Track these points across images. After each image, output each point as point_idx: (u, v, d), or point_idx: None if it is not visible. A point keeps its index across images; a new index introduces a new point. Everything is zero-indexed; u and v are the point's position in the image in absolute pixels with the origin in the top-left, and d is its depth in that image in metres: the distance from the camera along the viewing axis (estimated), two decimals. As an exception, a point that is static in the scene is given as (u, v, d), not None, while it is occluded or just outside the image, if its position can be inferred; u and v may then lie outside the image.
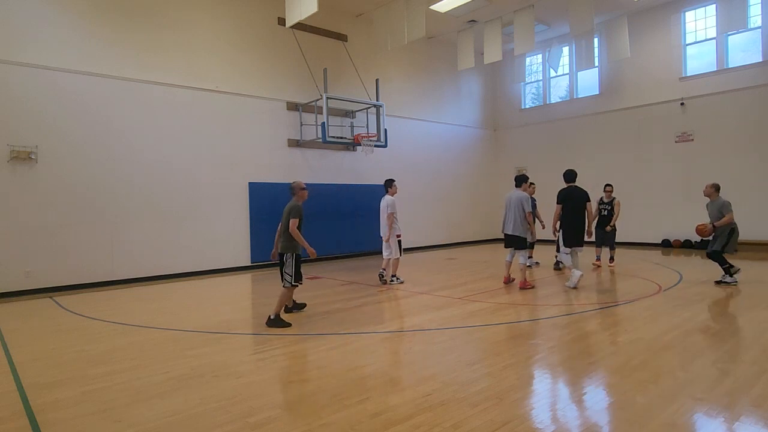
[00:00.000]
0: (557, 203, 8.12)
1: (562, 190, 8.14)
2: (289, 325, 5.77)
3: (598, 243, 10.35)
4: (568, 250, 8.02)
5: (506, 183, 17.37)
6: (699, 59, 13.25)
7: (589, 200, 8.02)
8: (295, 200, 6.09)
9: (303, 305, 6.73)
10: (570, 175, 8.16)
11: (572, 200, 7.97)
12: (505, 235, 8.12)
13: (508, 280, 8.30)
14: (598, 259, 10.45)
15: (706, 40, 13.06)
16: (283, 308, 6.18)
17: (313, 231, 12.25)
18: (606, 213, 10.19)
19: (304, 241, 5.94)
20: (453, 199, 16.05)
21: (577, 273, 7.75)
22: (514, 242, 7.98)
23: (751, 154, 12.28)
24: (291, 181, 6.35)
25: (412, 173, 14.67)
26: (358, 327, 5.79)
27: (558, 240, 8.69)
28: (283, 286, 5.93)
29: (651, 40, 13.85)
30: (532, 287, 7.89)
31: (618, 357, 4.36)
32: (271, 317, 5.80)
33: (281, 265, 6.00)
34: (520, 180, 8.18)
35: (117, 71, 9.49)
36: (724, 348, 4.57)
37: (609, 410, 3.35)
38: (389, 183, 8.60)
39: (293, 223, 5.86)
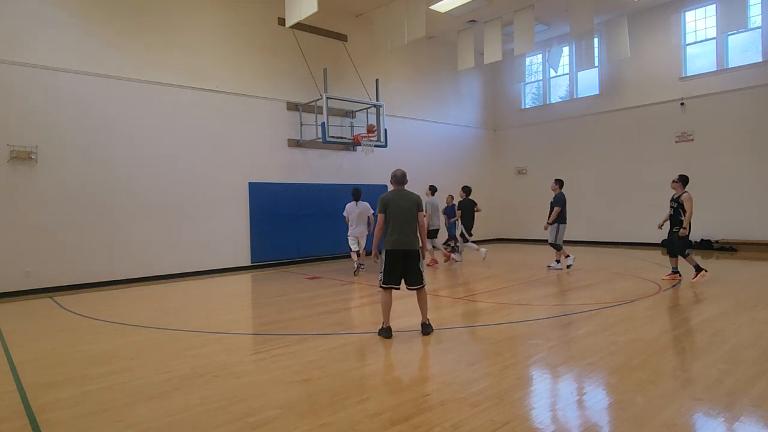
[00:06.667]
0: (457, 209, 11.21)
1: (460, 201, 11.11)
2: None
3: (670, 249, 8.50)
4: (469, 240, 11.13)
5: (507, 183, 17.43)
6: (699, 59, 13.25)
7: (476, 204, 11.10)
8: (409, 191, 5.38)
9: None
10: (467, 190, 11.13)
11: (467, 208, 11.00)
12: (432, 230, 10.99)
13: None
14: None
15: (706, 40, 13.06)
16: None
17: (313, 231, 12.35)
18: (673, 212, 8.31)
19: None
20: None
21: (483, 251, 11.12)
22: (433, 234, 11.05)
23: (751, 154, 12.28)
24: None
25: (412, 173, 14.58)
26: (358, 327, 5.80)
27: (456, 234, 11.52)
28: (424, 287, 5.31)
29: (651, 40, 13.85)
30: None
31: (618, 357, 4.36)
32: (428, 323, 5.28)
33: (412, 265, 5.20)
34: (468, 190, 11.37)
35: (117, 71, 9.49)
36: (724, 348, 4.57)
37: (609, 410, 3.35)
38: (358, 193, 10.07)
39: (423, 217, 5.35)
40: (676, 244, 8.07)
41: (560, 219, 9.80)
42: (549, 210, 9.99)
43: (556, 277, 9.08)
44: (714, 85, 12.83)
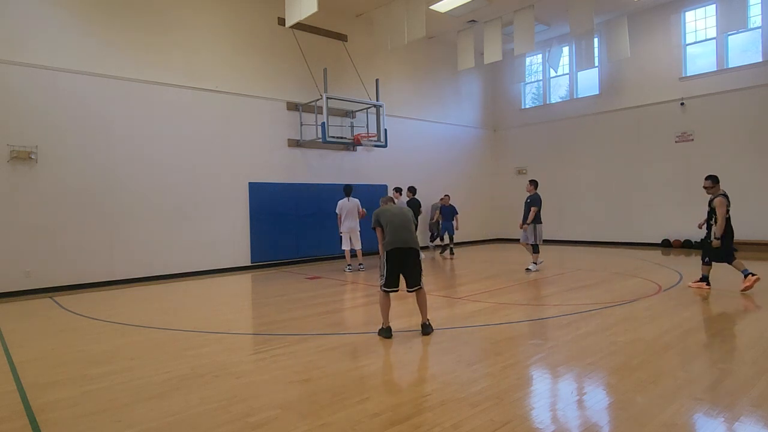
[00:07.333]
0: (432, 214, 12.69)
1: (408, 201, 12.10)
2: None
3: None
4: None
5: (507, 183, 17.41)
6: (699, 59, 13.24)
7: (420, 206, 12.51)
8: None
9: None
10: (413, 190, 12.30)
11: (415, 208, 11.87)
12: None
13: None
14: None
15: (706, 40, 13.05)
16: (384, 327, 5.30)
17: (313, 231, 12.35)
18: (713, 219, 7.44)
19: None
20: (453, 199, 16.00)
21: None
22: None
23: (751, 154, 12.28)
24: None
25: (412, 173, 14.66)
26: (358, 327, 5.80)
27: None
28: (423, 288, 5.38)
29: (651, 40, 13.84)
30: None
31: (618, 357, 4.36)
32: (428, 323, 5.32)
33: (411, 264, 5.28)
34: (414, 190, 12.54)
35: (117, 71, 9.48)
36: (724, 348, 4.57)
37: (609, 410, 3.35)
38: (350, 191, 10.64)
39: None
40: (705, 251, 7.43)
41: (537, 219, 9.84)
42: (524, 210, 10.01)
43: (556, 277, 9.07)
44: (714, 85, 12.82)
